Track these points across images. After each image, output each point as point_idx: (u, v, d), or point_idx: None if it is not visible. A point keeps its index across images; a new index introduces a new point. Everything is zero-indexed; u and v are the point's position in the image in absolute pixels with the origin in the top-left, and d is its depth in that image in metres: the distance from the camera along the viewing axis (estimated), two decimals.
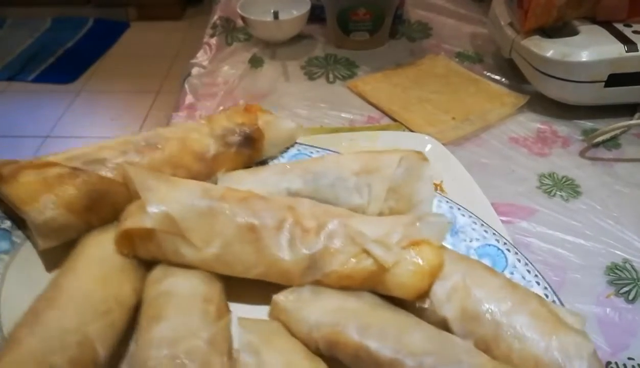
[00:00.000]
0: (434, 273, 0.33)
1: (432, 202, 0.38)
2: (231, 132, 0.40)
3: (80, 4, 2.67)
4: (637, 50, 0.70)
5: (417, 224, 0.34)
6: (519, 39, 0.77)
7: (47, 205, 0.31)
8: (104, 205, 0.33)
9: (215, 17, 1.04)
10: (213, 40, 0.97)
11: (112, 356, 0.31)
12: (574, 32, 0.74)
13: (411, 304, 0.33)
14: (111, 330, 0.31)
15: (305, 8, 0.90)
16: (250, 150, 0.41)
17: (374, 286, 0.33)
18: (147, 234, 0.31)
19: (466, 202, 0.60)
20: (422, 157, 0.40)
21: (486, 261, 0.36)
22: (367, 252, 0.32)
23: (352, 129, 0.76)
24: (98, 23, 2.66)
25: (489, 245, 0.37)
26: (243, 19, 0.90)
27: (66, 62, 2.37)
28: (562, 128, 0.75)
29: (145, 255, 0.33)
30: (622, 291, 0.54)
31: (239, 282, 0.34)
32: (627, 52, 0.70)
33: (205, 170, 0.38)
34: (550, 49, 0.72)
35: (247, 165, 0.42)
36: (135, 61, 2.39)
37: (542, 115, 0.78)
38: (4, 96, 2.11)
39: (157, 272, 0.33)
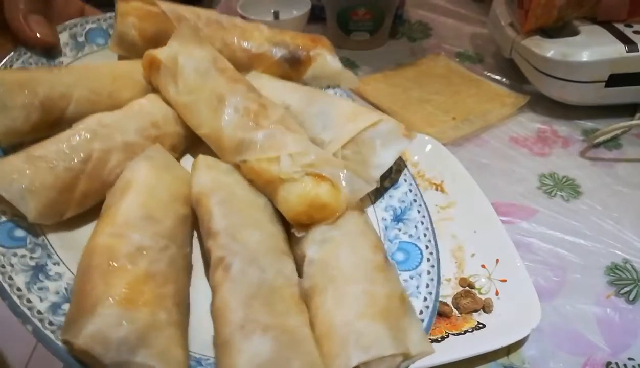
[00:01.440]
0: (317, 207, 0.34)
1: (382, 172, 0.39)
2: (285, 46, 0.45)
3: None
4: (638, 51, 0.70)
5: (339, 170, 0.35)
6: (519, 39, 0.77)
7: (129, 23, 0.43)
8: (160, 42, 0.43)
9: None
10: None
11: (74, 120, 0.37)
12: (574, 32, 0.74)
13: (292, 230, 0.35)
14: (88, 103, 0.38)
15: (306, 8, 0.90)
16: (291, 69, 0.45)
17: (270, 193, 0.36)
18: (157, 64, 0.41)
19: (466, 202, 0.60)
20: (406, 133, 0.39)
21: (400, 254, 0.37)
22: (277, 160, 0.35)
23: None
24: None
25: (416, 245, 0.37)
26: (243, 18, 0.90)
27: None
28: (563, 128, 0.75)
29: (153, 82, 0.42)
30: (622, 291, 0.54)
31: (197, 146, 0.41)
32: (627, 52, 0.70)
33: (245, 62, 0.45)
34: (551, 49, 0.72)
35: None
36: None
37: (543, 116, 0.78)
38: None
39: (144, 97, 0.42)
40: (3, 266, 0.29)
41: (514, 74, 0.83)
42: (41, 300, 0.29)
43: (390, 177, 0.41)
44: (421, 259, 0.36)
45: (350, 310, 0.30)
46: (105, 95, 0.39)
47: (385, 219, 0.39)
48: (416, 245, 0.37)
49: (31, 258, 0.31)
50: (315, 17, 0.95)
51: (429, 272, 0.36)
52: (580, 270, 0.56)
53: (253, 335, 0.28)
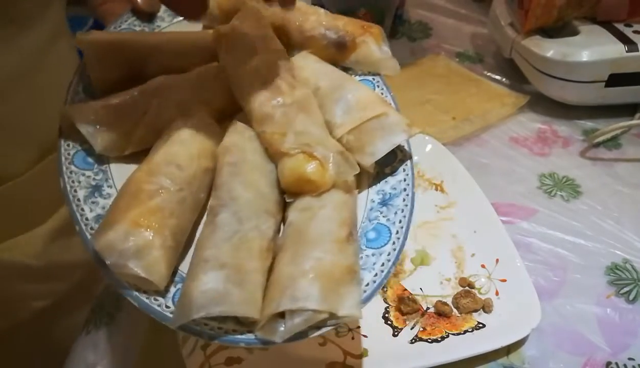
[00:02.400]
0: (304, 181, 0.39)
1: (373, 160, 0.43)
2: (336, 31, 0.49)
3: (80, 4, 2.67)
4: (638, 50, 0.70)
5: (330, 152, 0.39)
6: (519, 39, 0.77)
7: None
8: (234, 16, 0.46)
9: None
10: None
11: (153, 77, 0.43)
12: (574, 32, 0.74)
13: (284, 196, 0.41)
14: (165, 64, 0.44)
15: None
16: (336, 52, 0.50)
17: (275, 162, 0.41)
18: (221, 38, 0.45)
19: (466, 202, 0.60)
20: (406, 129, 0.43)
21: (372, 233, 0.41)
22: (285, 135, 0.41)
23: None
24: (98, 22, 2.66)
25: (388, 228, 0.41)
26: None
27: None
28: (563, 128, 0.75)
29: (218, 52, 0.46)
30: (622, 291, 0.54)
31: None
32: (627, 52, 0.70)
33: (299, 42, 0.49)
34: (551, 49, 0.72)
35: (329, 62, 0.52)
36: None
37: (543, 115, 0.78)
38: None
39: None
40: (72, 181, 0.38)
41: (514, 74, 0.83)
42: (91, 210, 0.38)
43: (393, 165, 0.44)
44: (388, 241, 0.40)
45: (298, 267, 0.35)
46: (180, 59, 0.46)
47: (374, 201, 0.44)
48: (389, 228, 0.41)
49: (94, 179, 0.40)
50: None
51: (389, 253, 0.39)
52: (581, 270, 0.56)
53: (210, 270, 0.34)
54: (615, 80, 0.71)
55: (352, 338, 0.49)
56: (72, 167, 0.39)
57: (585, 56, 0.70)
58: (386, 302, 0.52)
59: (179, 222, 0.37)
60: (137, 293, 0.35)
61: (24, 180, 0.53)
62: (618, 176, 0.67)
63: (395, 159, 0.44)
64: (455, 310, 0.51)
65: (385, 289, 0.53)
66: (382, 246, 0.40)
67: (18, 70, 0.50)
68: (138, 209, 0.36)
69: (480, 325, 0.50)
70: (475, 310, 0.51)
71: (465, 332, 0.49)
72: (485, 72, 0.87)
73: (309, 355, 0.48)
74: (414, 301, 0.52)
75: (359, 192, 0.43)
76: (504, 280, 0.53)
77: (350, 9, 0.88)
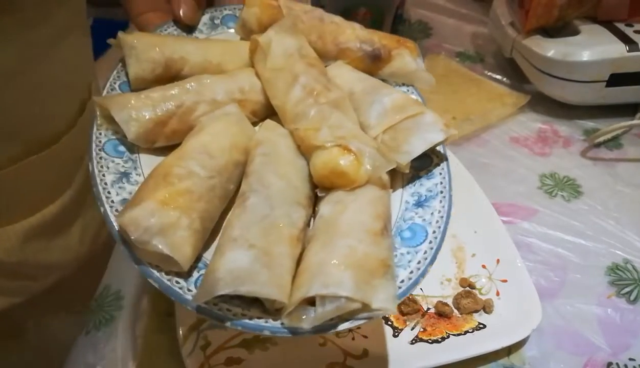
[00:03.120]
0: (337, 174, 0.38)
1: (409, 159, 0.42)
2: (371, 44, 0.50)
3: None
4: (639, 50, 0.70)
5: (366, 146, 0.39)
6: (520, 39, 0.77)
7: (252, 12, 0.50)
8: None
9: None
10: None
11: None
12: (575, 32, 0.74)
13: (316, 190, 0.41)
14: (200, 67, 0.47)
15: None
16: (371, 64, 0.50)
17: (308, 157, 0.41)
18: (257, 46, 0.47)
19: (466, 202, 0.60)
20: (444, 128, 0.43)
21: (407, 233, 0.40)
22: (319, 130, 0.40)
23: None
24: (98, 22, 2.65)
25: (424, 228, 0.40)
26: None
27: None
28: (564, 128, 0.75)
29: (252, 59, 0.48)
30: (623, 291, 0.54)
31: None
32: (628, 51, 0.70)
33: (334, 54, 0.50)
34: (552, 49, 0.72)
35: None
36: None
37: (543, 115, 0.78)
38: None
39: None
40: (101, 166, 0.39)
41: (515, 74, 0.83)
42: (117, 194, 0.38)
43: (428, 168, 0.44)
44: (424, 240, 0.39)
45: (329, 255, 0.34)
46: (215, 64, 0.48)
47: (408, 202, 0.43)
48: (425, 228, 0.40)
49: (122, 166, 0.41)
50: None
51: (425, 252, 0.38)
52: (581, 270, 0.56)
53: (239, 248, 0.34)
54: (616, 80, 0.71)
55: (352, 338, 0.49)
56: (102, 153, 0.40)
57: (586, 56, 0.70)
58: None
59: (208, 208, 0.37)
60: (158, 274, 0.34)
61: (4, 174, 0.52)
62: (619, 176, 0.67)
63: (431, 163, 0.44)
64: (455, 311, 0.51)
65: None
66: (417, 245, 0.39)
67: (17, 65, 0.50)
68: (166, 189, 0.36)
69: (481, 326, 0.50)
70: (476, 311, 0.51)
71: (465, 332, 0.49)
72: (486, 72, 0.87)
73: (309, 356, 0.48)
74: (415, 301, 0.52)
75: (392, 192, 0.43)
76: (505, 281, 0.53)
77: (351, 8, 0.88)
